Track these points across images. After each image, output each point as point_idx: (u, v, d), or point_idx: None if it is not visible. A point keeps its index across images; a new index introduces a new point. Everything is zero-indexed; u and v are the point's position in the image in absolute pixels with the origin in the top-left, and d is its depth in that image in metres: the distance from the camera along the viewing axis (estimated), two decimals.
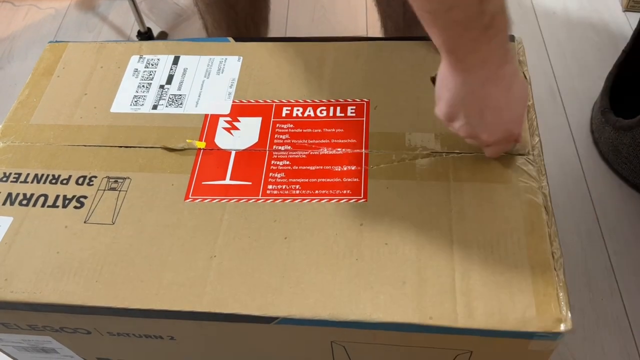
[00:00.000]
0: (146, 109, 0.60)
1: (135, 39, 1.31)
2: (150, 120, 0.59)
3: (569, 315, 0.43)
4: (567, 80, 1.18)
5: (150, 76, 0.63)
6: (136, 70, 0.64)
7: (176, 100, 0.61)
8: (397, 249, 0.48)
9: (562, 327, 0.42)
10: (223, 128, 0.58)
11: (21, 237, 0.51)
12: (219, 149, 0.56)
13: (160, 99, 0.61)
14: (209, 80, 0.62)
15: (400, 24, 0.83)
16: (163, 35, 1.34)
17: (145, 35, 1.30)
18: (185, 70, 0.64)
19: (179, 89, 0.62)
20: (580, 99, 1.14)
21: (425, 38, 0.64)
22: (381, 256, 0.47)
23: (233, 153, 0.56)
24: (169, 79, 0.63)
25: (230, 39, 0.67)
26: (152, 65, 0.65)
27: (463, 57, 0.44)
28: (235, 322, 0.46)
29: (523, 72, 0.59)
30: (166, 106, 0.61)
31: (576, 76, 1.19)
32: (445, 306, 0.44)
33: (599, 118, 1.03)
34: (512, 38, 0.63)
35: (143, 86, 0.63)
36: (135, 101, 0.61)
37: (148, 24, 1.32)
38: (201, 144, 0.56)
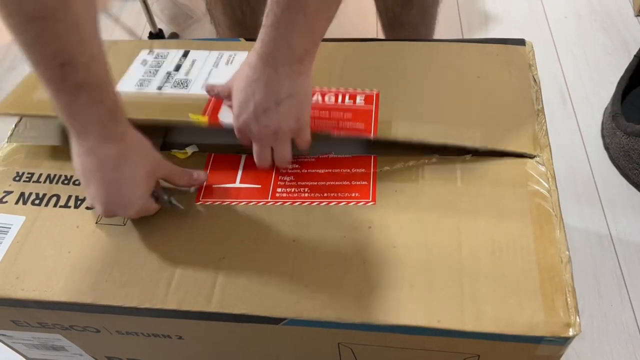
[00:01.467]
0: (151, 89, 0.60)
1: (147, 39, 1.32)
2: (154, 98, 0.59)
3: (578, 320, 0.43)
4: (578, 84, 1.18)
5: (158, 65, 0.63)
6: (145, 60, 0.64)
7: (181, 83, 0.60)
8: (406, 251, 0.48)
9: (571, 332, 0.42)
10: (227, 105, 0.56)
11: (33, 236, 0.52)
12: (221, 123, 0.55)
13: (165, 82, 0.61)
14: (217, 69, 0.62)
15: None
16: (174, 36, 1.35)
17: (156, 36, 1.31)
18: (194, 61, 0.63)
19: (186, 75, 0.61)
20: (591, 103, 1.14)
21: (434, 39, 0.65)
22: (389, 259, 0.47)
23: (243, 158, 0.56)
24: (177, 68, 0.63)
25: (242, 39, 0.67)
26: (161, 57, 0.64)
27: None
28: (243, 322, 0.47)
29: (533, 76, 0.59)
30: (171, 88, 0.60)
31: (587, 81, 1.18)
32: (453, 309, 0.44)
33: (610, 123, 1.02)
34: (522, 42, 0.63)
35: (150, 72, 0.62)
36: (140, 83, 0.61)
37: (159, 25, 1.33)
38: (204, 118, 0.56)
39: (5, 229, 0.52)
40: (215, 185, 0.54)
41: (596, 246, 0.93)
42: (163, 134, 0.60)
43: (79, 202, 0.54)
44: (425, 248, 0.47)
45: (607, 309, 0.87)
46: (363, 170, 0.53)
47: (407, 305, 0.45)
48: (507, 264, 0.46)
